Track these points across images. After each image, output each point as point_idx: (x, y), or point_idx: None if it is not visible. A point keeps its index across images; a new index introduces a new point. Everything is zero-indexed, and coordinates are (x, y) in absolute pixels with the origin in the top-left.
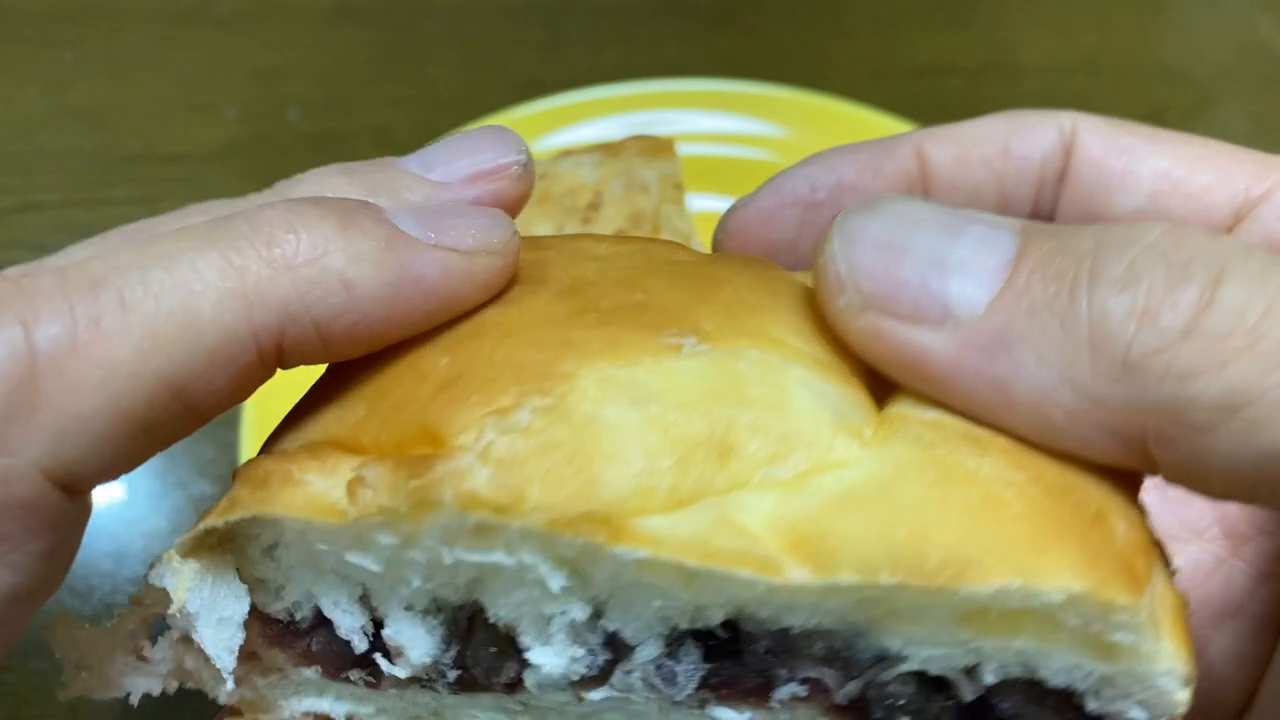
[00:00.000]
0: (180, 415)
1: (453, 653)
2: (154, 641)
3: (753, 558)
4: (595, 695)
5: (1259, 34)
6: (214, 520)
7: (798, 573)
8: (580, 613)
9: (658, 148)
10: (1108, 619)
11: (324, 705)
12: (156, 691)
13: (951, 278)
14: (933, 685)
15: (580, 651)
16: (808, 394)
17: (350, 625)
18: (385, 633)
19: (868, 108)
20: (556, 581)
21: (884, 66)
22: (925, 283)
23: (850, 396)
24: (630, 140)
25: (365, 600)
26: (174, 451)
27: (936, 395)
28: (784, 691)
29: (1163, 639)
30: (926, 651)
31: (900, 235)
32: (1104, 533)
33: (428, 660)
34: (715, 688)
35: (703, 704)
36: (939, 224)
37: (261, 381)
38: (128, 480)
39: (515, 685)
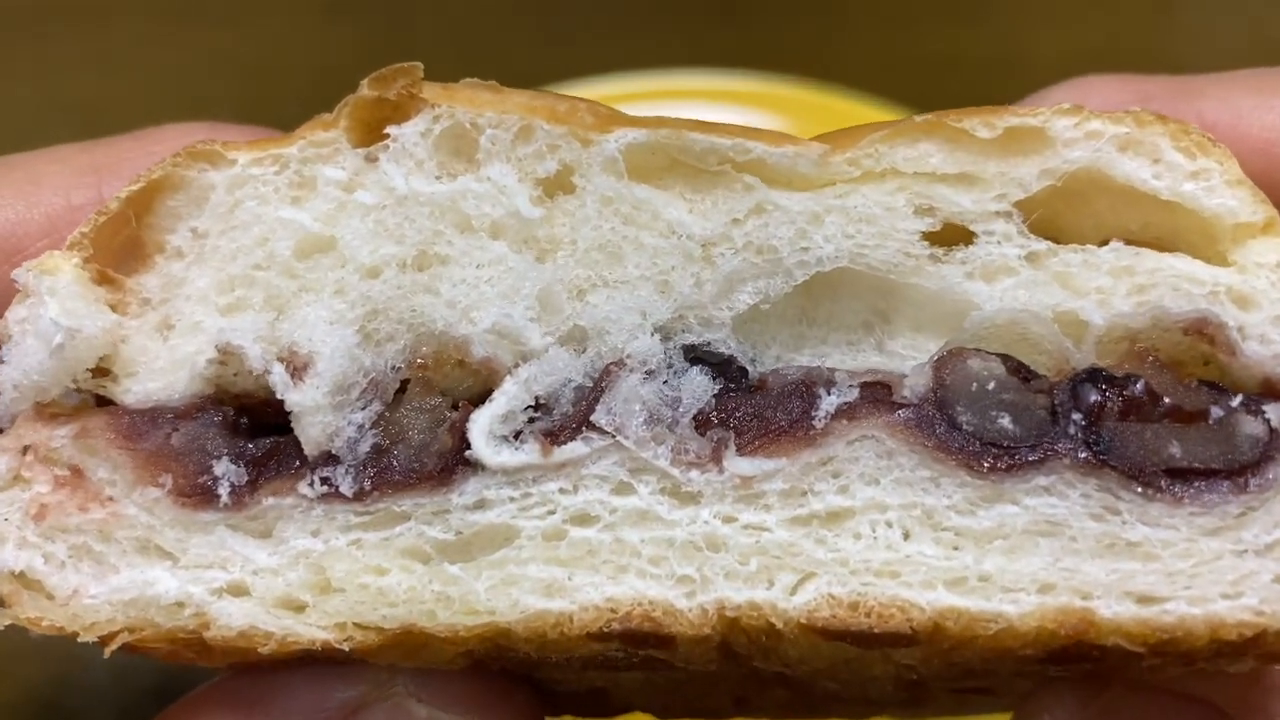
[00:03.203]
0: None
1: (373, 408)
2: None
3: (767, 133)
4: (570, 449)
5: (1267, 30)
6: (134, 186)
7: (818, 146)
8: (551, 275)
9: None
10: (1173, 162)
11: (154, 579)
12: None
13: None
14: (1025, 371)
15: (554, 361)
16: None
17: (255, 350)
18: (293, 336)
19: (872, 103)
20: (529, 208)
21: (890, 60)
22: None
23: None
24: None
25: (274, 333)
26: None
27: None
28: (829, 405)
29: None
30: (1001, 286)
31: None
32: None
33: (344, 376)
34: (735, 427)
35: (717, 454)
36: None
37: None
38: None
39: (455, 459)
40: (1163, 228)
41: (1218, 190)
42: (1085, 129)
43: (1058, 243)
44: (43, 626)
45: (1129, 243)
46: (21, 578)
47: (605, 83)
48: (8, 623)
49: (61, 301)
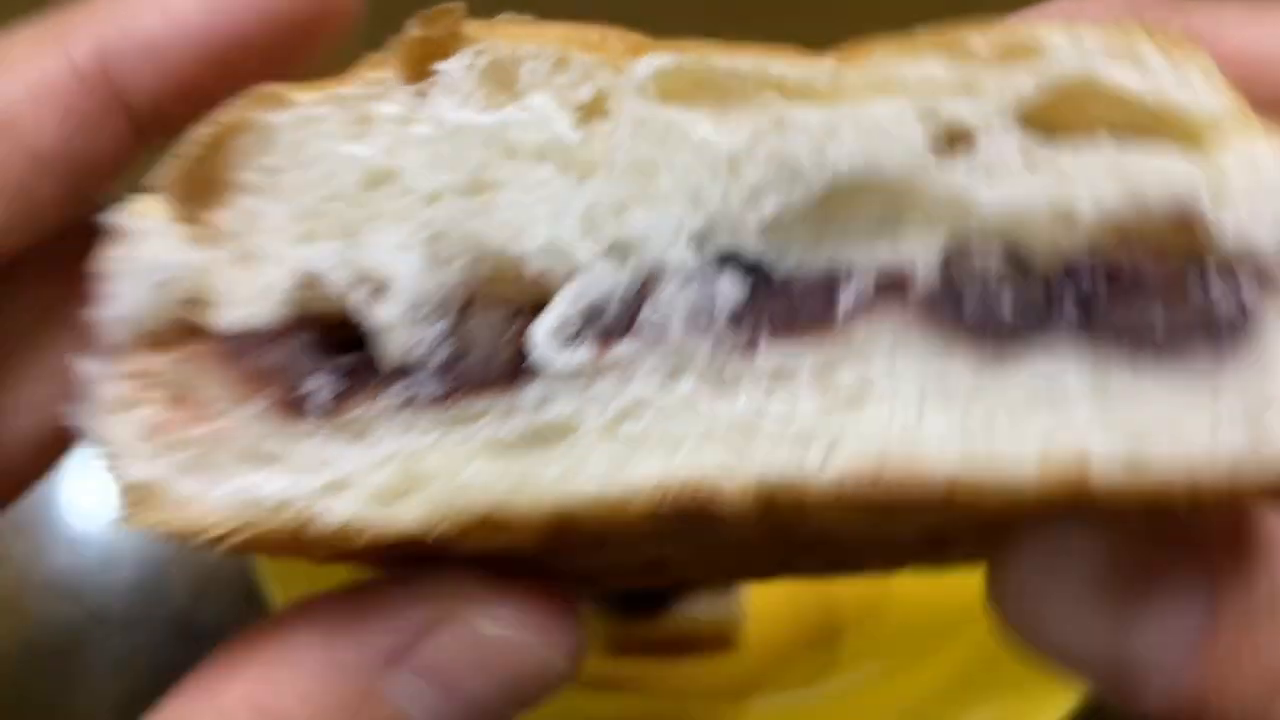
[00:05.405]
0: (17, 156)
1: (444, 323)
2: None
3: (785, 51)
4: (620, 350)
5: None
6: (205, 130)
7: (831, 63)
8: (593, 195)
9: None
10: (1156, 66)
11: (262, 482)
12: None
13: None
14: (1021, 261)
15: (600, 273)
16: None
17: (333, 275)
18: (367, 261)
19: None
20: (569, 132)
21: None
22: None
23: None
24: None
25: (349, 257)
26: None
27: None
28: (848, 299)
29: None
30: (1001, 185)
31: None
32: None
33: (418, 295)
34: (765, 322)
35: (751, 348)
36: None
37: (110, 131)
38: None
39: (519, 366)
40: (1148, 128)
41: (1198, 90)
42: (1076, 40)
43: (1053, 143)
44: (170, 527)
45: (1117, 139)
46: (145, 487)
47: None
48: (140, 526)
49: (154, 243)
